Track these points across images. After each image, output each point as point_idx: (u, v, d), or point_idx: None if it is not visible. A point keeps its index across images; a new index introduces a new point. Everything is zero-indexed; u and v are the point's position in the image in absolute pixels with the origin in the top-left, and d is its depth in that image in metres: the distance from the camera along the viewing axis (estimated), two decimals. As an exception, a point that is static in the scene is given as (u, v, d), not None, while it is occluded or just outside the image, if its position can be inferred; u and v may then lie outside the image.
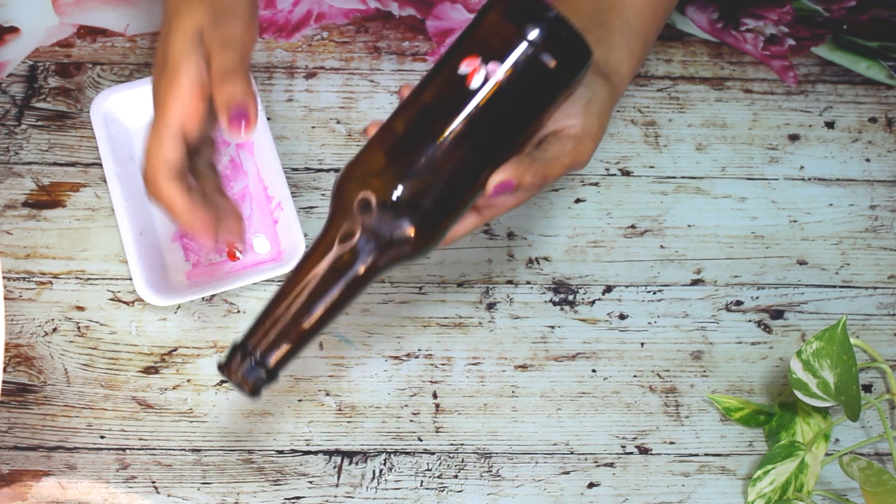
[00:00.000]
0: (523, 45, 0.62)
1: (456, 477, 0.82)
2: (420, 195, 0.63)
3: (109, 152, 0.86)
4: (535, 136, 0.66)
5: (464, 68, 0.63)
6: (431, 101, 0.63)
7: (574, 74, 0.65)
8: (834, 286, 0.89)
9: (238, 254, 0.86)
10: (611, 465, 0.83)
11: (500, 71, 0.62)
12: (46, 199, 0.88)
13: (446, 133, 0.63)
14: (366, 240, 0.63)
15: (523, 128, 0.65)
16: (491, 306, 0.87)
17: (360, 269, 0.64)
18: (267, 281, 0.85)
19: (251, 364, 0.64)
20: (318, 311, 0.64)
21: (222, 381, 0.84)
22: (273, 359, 0.65)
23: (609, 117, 0.70)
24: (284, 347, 0.65)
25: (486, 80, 0.62)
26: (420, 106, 0.64)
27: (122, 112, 0.88)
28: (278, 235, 0.86)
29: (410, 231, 0.63)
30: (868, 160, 0.94)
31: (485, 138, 0.63)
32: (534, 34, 0.62)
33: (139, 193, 0.86)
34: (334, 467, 0.82)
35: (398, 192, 0.63)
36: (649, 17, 0.73)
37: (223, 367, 0.65)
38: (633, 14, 0.72)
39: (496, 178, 0.64)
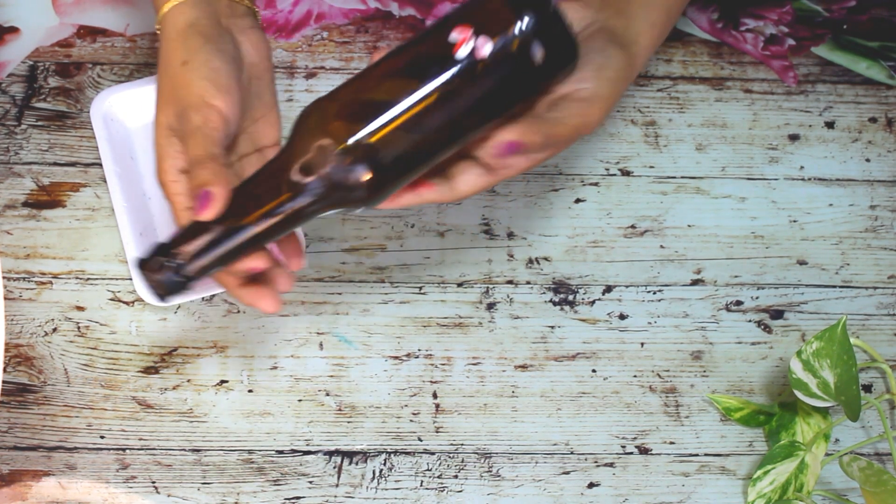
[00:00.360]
0: (517, 29, 0.63)
1: (456, 477, 0.82)
2: (382, 147, 0.63)
3: (109, 152, 0.86)
4: (498, 121, 0.67)
5: (454, 35, 0.63)
6: (413, 59, 0.64)
7: (555, 73, 0.65)
8: (834, 286, 0.89)
9: None
10: (611, 465, 0.83)
11: (487, 47, 0.63)
12: (46, 199, 0.88)
13: (420, 93, 0.63)
14: (318, 179, 0.63)
15: (493, 110, 0.65)
16: (491, 306, 0.87)
17: (303, 203, 0.64)
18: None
19: (171, 268, 0.64)
20: (250, 234, 0.64)
21: (222, 382, 0.84)
22: (193, 269, 0.64)
23: (624, 86, 0.70)
24: (206, 261, 0.64)
25: (471, 54, 0.63)
26: (403, 61, 0.64)
27: (122, 112, 0.88)
28: None
29: (364, 178, 0.63)
30: (868, 160, 0.94)
31: (454, 110, 0.64)
32: (529, 22, 0.63)
33: (139, 193, 0.86)
34: (334, 467, 0.82)
35: (361, 137, 0.63)
36: None
37: (142, 264, 0.64)
38: None
39: (502, 138, 0.65)
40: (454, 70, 0.63)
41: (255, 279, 0.69)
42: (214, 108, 0.69)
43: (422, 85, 0.63)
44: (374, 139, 0.63)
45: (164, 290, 0.65)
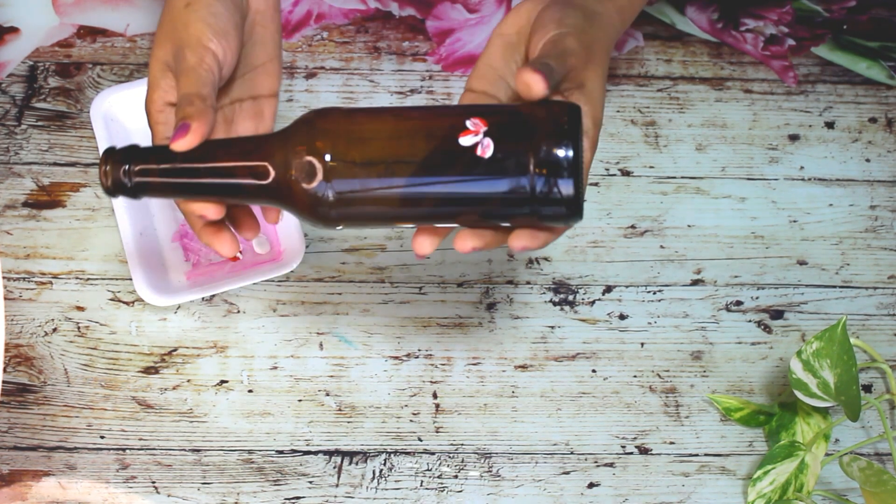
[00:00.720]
0: (528, 154, 0.61)
1: (456, 477, 0.82)
2: (353, 195, 0.63)
3: None
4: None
5: (468, 122, 0.62)
6: (425, 121, 0.63)
7: (545, 218, 0.62)
8: (834, 286, 0.89)
9: (238, 254, 0.86)
10: (611, 465, 0.83)
11: (489, 150, 0.61)
12: (46, 199, 0.88)
13: (408, 152, 0.62)
14: (288, 184, 0.63)
15: (466, 209, 0.63)
16: (491, 306, 0.87)
17: (253, 183, 0.64)
18: (267, 281, 0.85)
19: (128, 172, 0.65)
20: (201, 180, 0.65)
21: (222, 382, 0.84)
22: (142, 182, 0.65)
23: (598, 40, 0.69)
24: (157, 182, 0.65)
25: (474, 146, 0.61)
26: (418, 117, 0.64)
27: (122, 112, 0.88)
28: (279, 236, 0.86)
29: (325, 209, 0.63)
30: (868, 160, 0.94)
31: (431, 187, 0.62)
32: (542, 155, 0.61)
33: None
34: (334, 467, 0.82)
35: (338, 165, 0.62)
36: None
37: (108, 153, 0.66)
38: None
39: (515, 244, 0.64)
40: (445, 149, 0.62)
41: (220, 223, 0.71)
42: (210, 51, 0.70)
43: (414, 147, 0.62)
44: (346, 173, 0.62)
45: (112, 187, 0.66)
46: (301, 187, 0.63)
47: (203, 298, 0.85)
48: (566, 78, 0.66)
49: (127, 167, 0.65)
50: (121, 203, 0.84)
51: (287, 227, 0.85)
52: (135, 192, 0.66)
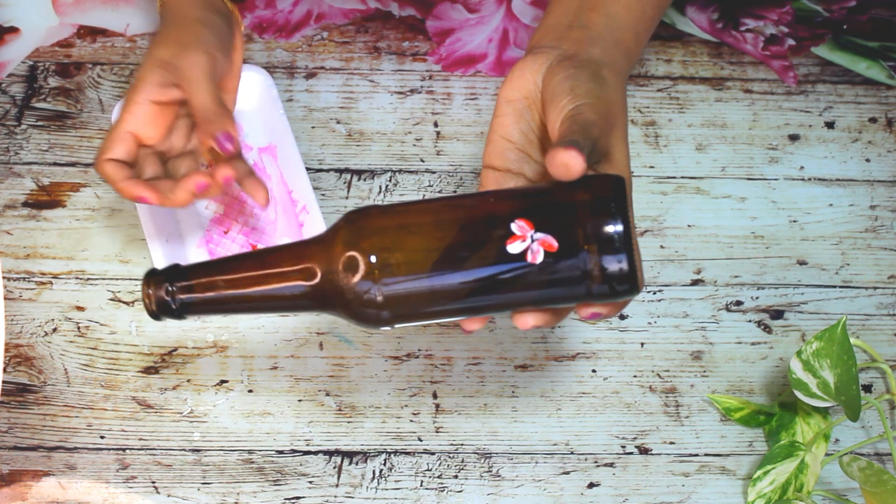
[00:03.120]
0: (584, 260, 0.59)
1: (456, 477, 0.82)
2: (401, 300, 0.61)
3: None
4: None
5: (513, 226, 0.59)
6: (461, 231, 0.60)
7: (605, 298, 0.60)
8: (834, 286, 0.89)
9: None
10: (611, 465, 0.83)
11: (540, 255, 0.59)
12: (46, 199, 0.88)
13: (456, 269, 0.60)
14: (334, 287, 0.61)
15: (521, 304, 0.61)
16: (491, 306, 0.87)
17: (311, 298, 0.63)
18: None
19: (171, 292, 0.63)
20: (256, 295, 0.63)
21: (222, 382, 0.84)
22: (192, 305, 0.64)
23: (613, 102, 0.67)
24: (202, 304, 0.63)
25: (523, 253, 0.59)
26: (455, 225, 0.61)
27: None
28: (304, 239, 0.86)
29: (373, 316, 0.61)
30: (868, 160, 0.94)
31: (484, 296, 0.60)
32: (597, 243, 0.59)
33: None
34: (334, 467, 0.82)
35: (386, 289, 0.60)
36: (637, 11, 0.72)
37: (149, 276, 0.64)
38: (618, 9, 0.72)
39: (586, 312, 0.62)
40: (494, 259, 0.59)
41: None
42: (218, 61, 0.73)
43: (459, 255, 0.60)
44: (397, 295, 0.60)
45: (157, 309, 0.64)
46: (350, 288, 0.61)
47: (203, 298, 0.85)
48: (591, 151, 0.62)
49: (172, 288, 0.63)
50: (146, 211, 0.84)
51: (313, 230, 0.85)
52: (180, 312, 0.64)
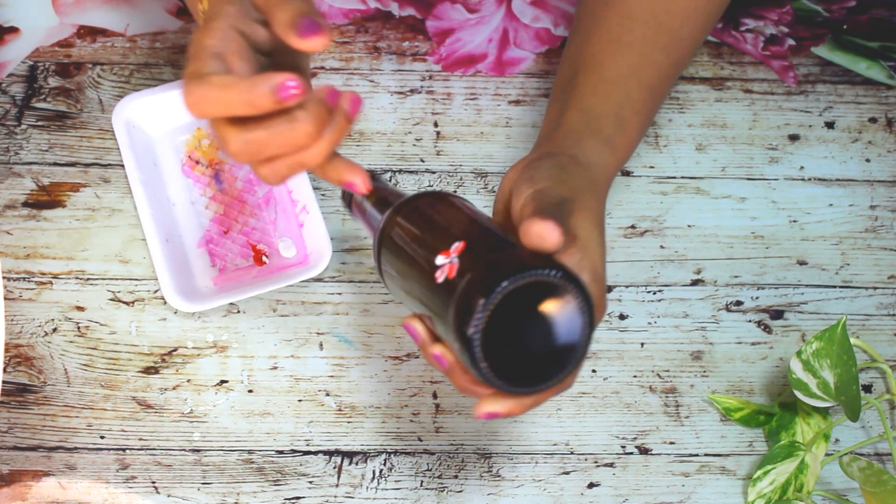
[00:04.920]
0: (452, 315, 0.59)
1: (456, 477, 0.82)
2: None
3: (133, 159, 0.86)
4: None
5: (452, 246, 0.61)
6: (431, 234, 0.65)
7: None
8: (834, 286, 0.89)
9: (264, 258, 0.86)
10: (611, 465, 0.83)
11: (443, 278, 0.60)
12: (46, 199, 0.88)
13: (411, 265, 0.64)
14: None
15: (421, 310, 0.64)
16: (491, 306, 0.87)
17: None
18: (293, 285, 0.85)
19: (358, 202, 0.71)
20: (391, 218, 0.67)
21: (222, 382, 0.84)
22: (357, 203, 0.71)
23: (578, 188, 0.66)
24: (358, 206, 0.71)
25: (439, 267, 0.61)
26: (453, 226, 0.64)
27: (143, 119, 0.88)
28: (304, 239, 0.86)
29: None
30: (868, 160, 0.94)
31: (411, 293, 0.64)
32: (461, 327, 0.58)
33: (163, 200, 0.86)
34: (334, 467, 0.82)
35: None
36: (619, 96, 0.73)
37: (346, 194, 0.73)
38: (594, 101, 0.72)
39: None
40: (428, 266, 0.62)
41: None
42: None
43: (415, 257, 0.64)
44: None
45: (348, 202, 0.73)
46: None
47: (203, 298, 0.85)
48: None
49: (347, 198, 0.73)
50: (146, 210, 0.84)
51: (313, 231, 0.85)
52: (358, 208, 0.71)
